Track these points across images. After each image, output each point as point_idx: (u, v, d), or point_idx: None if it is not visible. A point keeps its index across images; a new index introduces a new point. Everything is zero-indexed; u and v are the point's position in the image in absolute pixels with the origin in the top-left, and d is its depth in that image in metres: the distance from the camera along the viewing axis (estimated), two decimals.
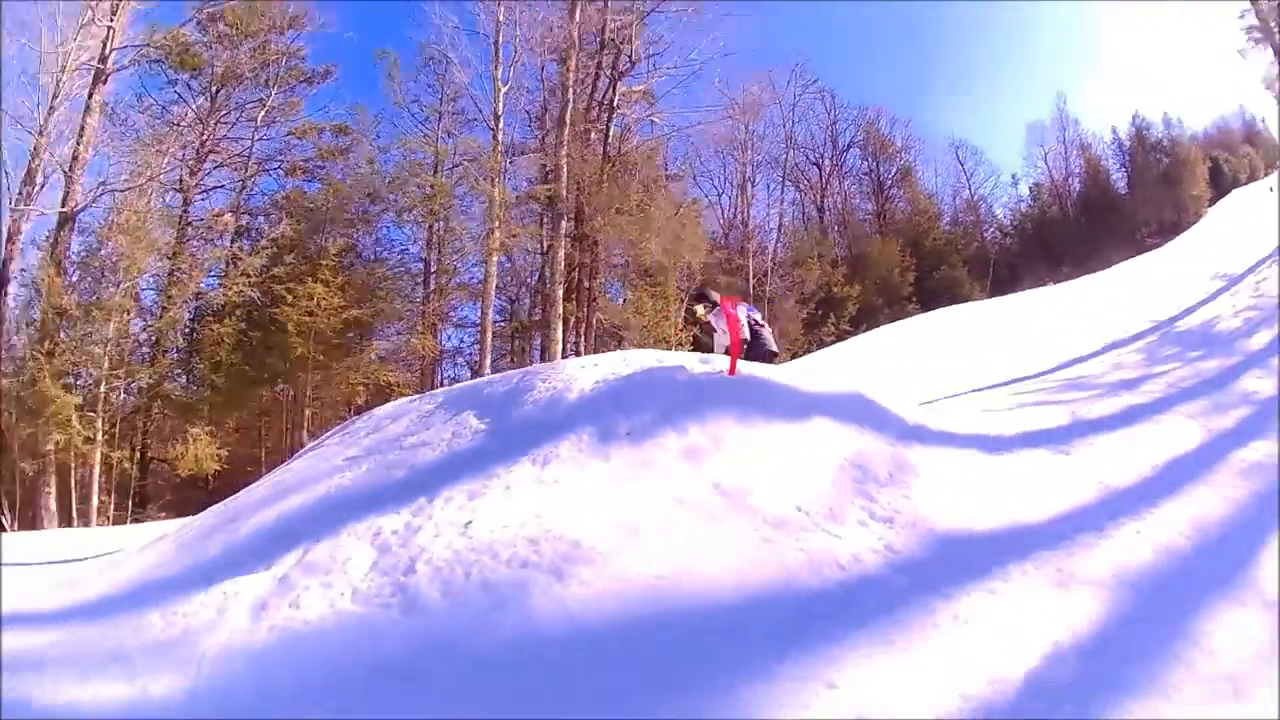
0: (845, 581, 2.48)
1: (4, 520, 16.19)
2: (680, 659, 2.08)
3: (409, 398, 5.05)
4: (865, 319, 26.16)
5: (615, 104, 19.84)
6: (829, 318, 25.74)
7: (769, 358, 5.71)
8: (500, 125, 17.86)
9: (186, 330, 17.21)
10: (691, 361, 4.08)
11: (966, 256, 34.30)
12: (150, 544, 4.23)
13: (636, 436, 3.29)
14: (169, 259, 16.73)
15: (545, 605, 2.34)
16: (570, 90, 18.77)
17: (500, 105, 17.85)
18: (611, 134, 19.68)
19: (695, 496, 2.90)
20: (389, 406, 4.79)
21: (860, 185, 36.48)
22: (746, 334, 5.48)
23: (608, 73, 19.97)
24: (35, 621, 3.21)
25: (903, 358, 13.61)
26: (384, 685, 2.14)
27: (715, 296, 5.93)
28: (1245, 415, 4.77)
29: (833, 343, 22.47)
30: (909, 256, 31.19)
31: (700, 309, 5.86)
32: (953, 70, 56.21)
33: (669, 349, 18.61)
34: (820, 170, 35.11)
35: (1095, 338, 9.49)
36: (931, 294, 29.23)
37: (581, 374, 3.93)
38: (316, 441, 5.40)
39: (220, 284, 16.83)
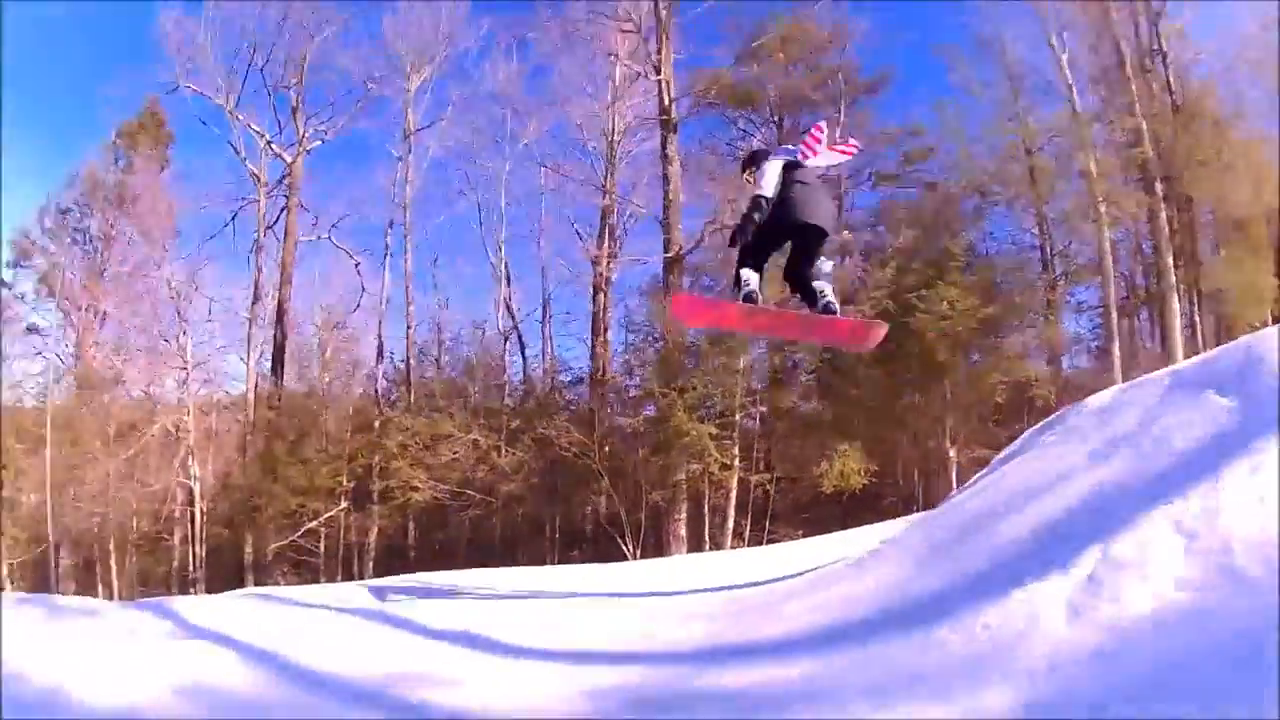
0: None
1: (627, 549, 16.71)
2: None
3: (1117, 387, 4.98)
4: None
5: (1163, 49, 18.05)
6: None
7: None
8: (1074, 94, 16.76)
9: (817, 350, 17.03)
10: None
11: None
12: (861, 561, 4.23)
13: None
14: None
15: None
16: (1119, 42, 17.46)
17: (1066, 73, 16.70)
18: (1171, 80, 17.95)
19: None
20: (1103, 397, 4.66)
21: None
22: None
23: (1145, 16, 18.12)
24: (762, 652, 3.09)
25: None
26: (1230, 669, 2.03)
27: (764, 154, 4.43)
28: None
29: None
30: None
31: (746, 174, 4.47)
32: None
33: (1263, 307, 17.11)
34: None
35: None
36: None
37: None
38: (1018, 445, 5.27)
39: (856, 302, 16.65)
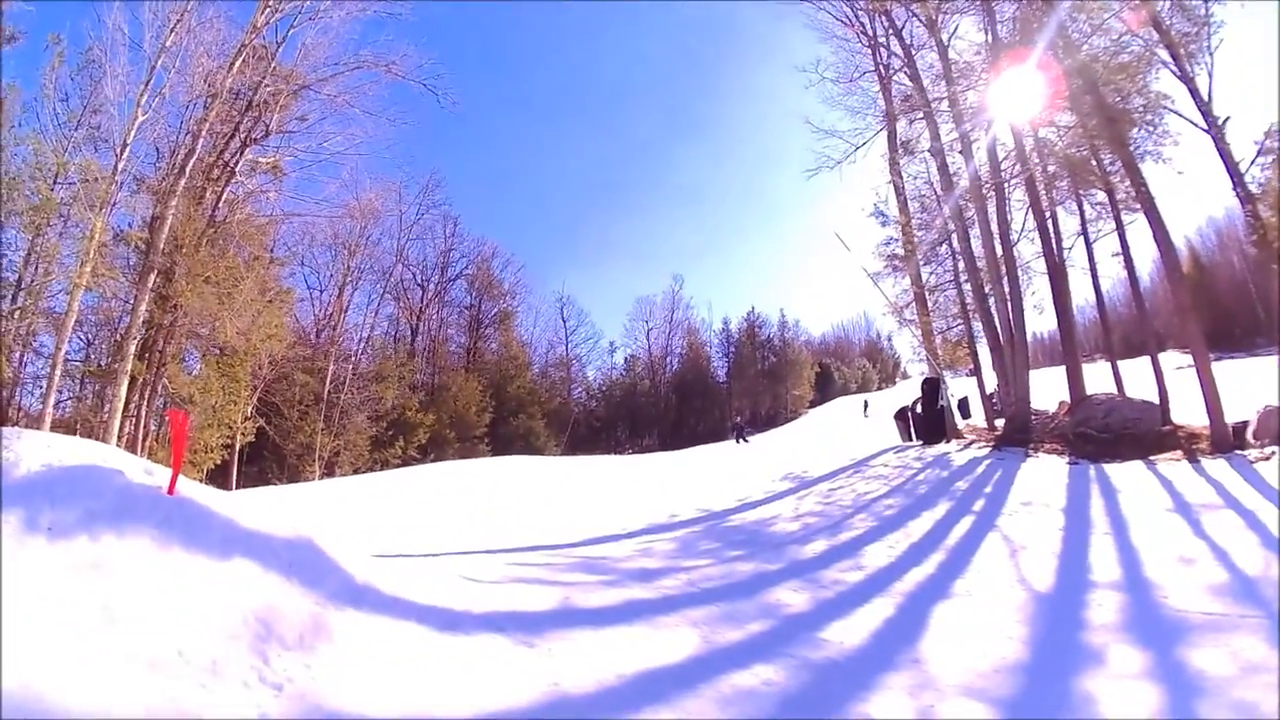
0: None
1: None
2: None
3: None
4: (434, 449, 26.54)
5: (236, 169, 17.85)
6: (398, 440, 25.97)
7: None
8: (125, 154, 15.05)
9: None
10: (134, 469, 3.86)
11: (548, 410, 34.51)
12: None
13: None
14: None
15: None
16: (200, 139, 16.45)
17: (132, 133, 15.06)
18: (224, 198, 17.83)
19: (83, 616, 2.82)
20: None
21: (459, 317, 35.87)
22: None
23: (242, 134, 17.75)
24: None
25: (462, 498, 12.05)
26: None
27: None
28: (758, 631, 4.10)
29: (398, 465, 23.37)
30: (489, 398, 30.95)
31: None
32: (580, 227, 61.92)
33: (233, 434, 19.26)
34: (424, 292, 34.40)
35: (640, 517, 8.76)
36: (505, 439, 29.85)
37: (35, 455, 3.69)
38: None
39: None
